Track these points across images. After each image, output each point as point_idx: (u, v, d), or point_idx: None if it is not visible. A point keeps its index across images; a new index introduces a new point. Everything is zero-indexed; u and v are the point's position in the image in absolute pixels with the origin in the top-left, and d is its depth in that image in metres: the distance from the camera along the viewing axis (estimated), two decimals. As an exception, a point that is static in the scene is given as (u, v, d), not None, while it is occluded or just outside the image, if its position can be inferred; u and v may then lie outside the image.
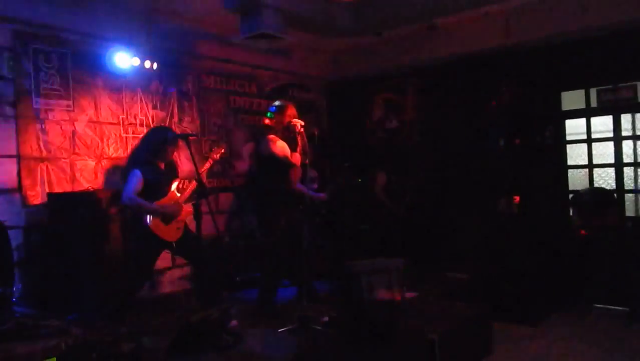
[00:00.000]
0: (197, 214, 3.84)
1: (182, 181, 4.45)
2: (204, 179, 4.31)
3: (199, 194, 3.83)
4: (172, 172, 4.15)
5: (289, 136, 4.29)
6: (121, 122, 5.18)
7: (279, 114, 4.33)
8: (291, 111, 4.35)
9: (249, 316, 4.21)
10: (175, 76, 5.67)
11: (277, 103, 4.43)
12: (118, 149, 5.14)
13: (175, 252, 4.15)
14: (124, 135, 5.20)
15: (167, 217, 3.91)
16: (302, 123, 4.24)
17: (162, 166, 4.06)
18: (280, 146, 4.26)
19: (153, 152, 3.98)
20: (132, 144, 5.20)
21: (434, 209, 6.39)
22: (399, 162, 6.12)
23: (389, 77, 7.01)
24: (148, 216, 3.84)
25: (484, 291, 4.96)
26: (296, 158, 4.27)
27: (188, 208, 4.10)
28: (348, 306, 3.69)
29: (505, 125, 6.05)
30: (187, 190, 4.17)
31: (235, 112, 6.29)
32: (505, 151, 6.05)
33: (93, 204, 4.33)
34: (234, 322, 3.54)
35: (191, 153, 3.88)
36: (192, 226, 4.11)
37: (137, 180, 3.84)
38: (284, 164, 4.29)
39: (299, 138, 4.20)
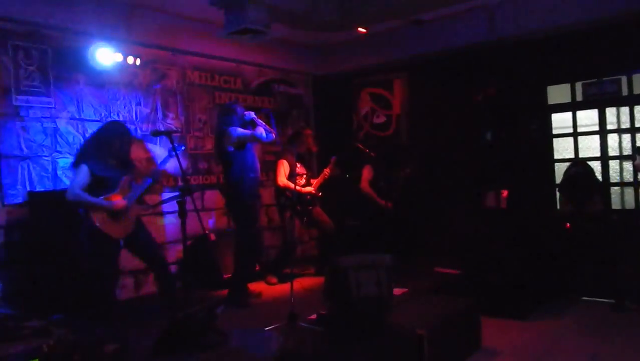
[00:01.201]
0: (182, 212, 3.78)
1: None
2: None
3: (183, 192, 3.76)
4: (124, 168, 3.96)
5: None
6: (104, 119, 5.11)
7: (230, 115, 4.65)
8: (239, 108, 4.67)
9: (236, 315, 4.18)
10: (159, 71, 5.60)
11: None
12: (101, 147, 5.06)
13: (130, 250, 4.01)
14: (106, 132, 5.12)
15: (114, 213, 3.77)
16: (254, 112, 4.65)
17: (114, 162, 3.89)
18: (240, 131, 4.54)
19: (102, 148, 3.82)
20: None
21: (423, 203, 6.41)
22: (387, 157, 6.11)
23: (375, 71, 7.01)
24: (94, 213, 3.69)
25: (472, 285, 4.98)
26: (260, 131, 4.51)
27: (135, 207, 3.96)
28: (336, 303, 3.67)
29: (491, 119, 6.07)
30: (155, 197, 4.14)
31: (221, 107, 6.22)
32: (492, 145, 6.08)
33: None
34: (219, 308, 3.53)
35: (175, 150, 3.83)
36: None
37: (83, 175, 3.71)
38: (242, 152, 4.54)
39: (257, 122, 4.57)
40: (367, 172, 5.99)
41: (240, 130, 4.55)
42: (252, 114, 4.65)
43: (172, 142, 3.84)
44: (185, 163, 5.66)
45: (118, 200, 3.80)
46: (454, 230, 6.05)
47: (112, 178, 3.84)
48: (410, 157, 6.32)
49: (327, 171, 5.61)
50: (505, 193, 5.89)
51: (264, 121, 4.64)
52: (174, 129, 5.65)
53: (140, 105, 5.43)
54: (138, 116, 5.41)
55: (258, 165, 4.75)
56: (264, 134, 4.54)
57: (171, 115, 5.72)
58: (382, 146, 6.69)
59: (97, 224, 3.67)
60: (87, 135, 4.20)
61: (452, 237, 6.03)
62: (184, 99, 5.85)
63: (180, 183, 5.52)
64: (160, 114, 5.61)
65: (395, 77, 6.92)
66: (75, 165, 3.79)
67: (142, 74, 5.42)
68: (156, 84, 5.58)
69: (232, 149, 4.53)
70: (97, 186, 3.74)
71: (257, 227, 4.70)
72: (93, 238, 3.69)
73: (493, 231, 5.63)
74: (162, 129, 5.45)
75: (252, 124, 4.61)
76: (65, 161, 4.77)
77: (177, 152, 3.84)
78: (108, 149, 3.85)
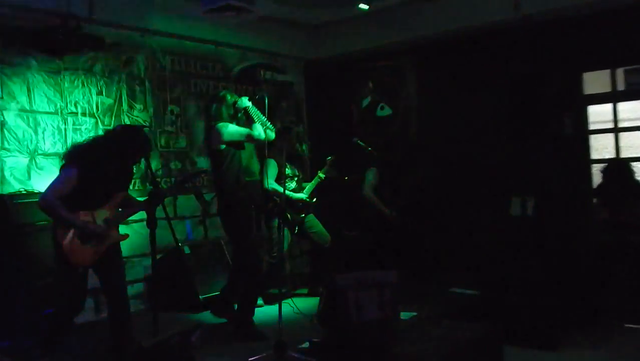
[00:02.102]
0: (151, 221, 3.81)
1: None
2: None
3: (153, 197, 3.80)
4: (122, 184, 3.88)
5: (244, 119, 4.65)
6: (59, 111, 5.15)
7: (220, 103, 4.62)
8: (230, 94, 4.69)
9: (215, 342, 4.22)
10: (124, 55, 5.65)
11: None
12: (56, 144, 5.10)
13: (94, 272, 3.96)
14: (62, 127, 5.16)
15: (84, 236, 3.63)
16: (248, 97, 4.62)
17: (115, 175, 3.77)
18: (232, 130, 4.51)
19: (110, 156, 3.69)
20: (72, 137, 5.17)
21: (435, 212, 6.45)
22: (393, 157, 6.16)
23: (380, 55, 7.05)
24: (61, 230, 3.59)
25: (494, 308, 5.00)
26: (258, 128, 4.50)
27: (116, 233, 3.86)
28: (332, 329, 3.72)
29: (516, 112, 6.10)
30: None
31: (197, 98, 6.28)
32: (518, 142, 6.11)
33: (25, 212, 4.29)
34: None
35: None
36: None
37: (67, 180, 3.57)
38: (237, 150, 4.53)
39: (252, 113, 4.56)
40: (371, 177, 6.05)
41: (231, 127, 4.49)
42: (246, 101, 4.61)
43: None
44: (154, 163, 5.71)
45: (96, 225, 3.67)
46: (472, 243, 6.09)
47: (102, 193, 3.74)
48: (420, 158, 6.38)
49: (322, 173, 5.67)
50: (532, 199, 5.94)
51: (261, 110, 4.60)
52: (142, 123, 5.69)
53: (101, 95, 5.47)
54: (99, 108, 5.45)
55: (256, 165, 4.73)
56: (262, 133, 4.49)
57: (138, 107, 5.76)
58: (388, 143, 6.75)
59: (61, 243, 3.58)
60: (86, 136, 4.00)
61: (470, 251, 6.07)
62: (154, 87, 5.89)
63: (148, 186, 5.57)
64: (125, 106, 5.65)
65: (403, 62, 6.97)
66: (63, 166, 3.66)
67: (104, 58, 5.46)
68: (121, 70, 5.63)
69: (224, 146, 4.52)
70: (80, 197, 3.60)
71: (251, 240, 4.65)
72: (56, 257, 3.64)
73: (518, 245, 5.67)
74: (128, 123, 5.49)
75: (246, 115, 4.58)
76: (14, 160, 4.81)
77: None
78: (116, 160, 3.72)
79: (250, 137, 4.51)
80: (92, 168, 3.62)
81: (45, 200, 3.54)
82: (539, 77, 6.00)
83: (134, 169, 3.97)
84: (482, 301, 5.24)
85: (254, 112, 4.57)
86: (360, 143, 6.04)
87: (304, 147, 5.78)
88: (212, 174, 4.82)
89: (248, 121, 4.59)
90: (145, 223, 3.86)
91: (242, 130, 4.52)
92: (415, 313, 4.73)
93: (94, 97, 5.42)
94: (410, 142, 6.84)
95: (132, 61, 5.72)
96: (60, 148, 5.08)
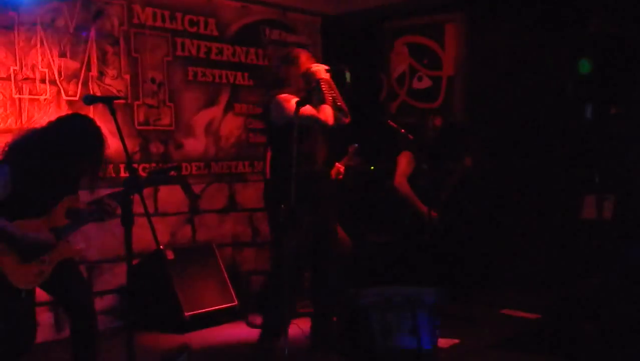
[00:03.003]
0: (126, 217, 3.83)
1: None
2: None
3: (129, 187, 3.81)
4: (68, 188, 3.87)
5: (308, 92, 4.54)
6: (12, 76, 5.17)
7: (289, 64, 4.62)
8: (305, 56, 4.65)
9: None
10: (93, 6, 5.66)
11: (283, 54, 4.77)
12: (7, 118, 5.12)
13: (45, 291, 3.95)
14: (16, 96, 5.18)
15: (26, 250, 3.59)
16: (326, 67, 4.53)
17: (58, 177, 3.77)
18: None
19: (49, 153, 3.66)
20: (28, 109, 5.20)
21: (485, 212, 6.44)
22: (433, 141, 6.14)
23: (416, 11, 7.03)
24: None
25: (559, 337, 5.00)
26: (327, 113, 4.42)
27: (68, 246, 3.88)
28: (352, 357, 3.74)
29: (594, 86, 6.05)
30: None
31: (185, 62, 6.29)
32: (595, 125, 6.07)
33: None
34: None
35: (117, 125, 3.87)
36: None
37: (1, 181, 3.53)
38: (310, 132, 4.49)
39: (324, 89, 4.47)
40: (404, 163, 6.01)
41: (292, 102, 4.30)
42: (322, 73, 4.52)
43: (112, 114, 3.88)
44: (130, 144, 5.72)
45: (41, 234, 3.64)
46: (533, 254, 6.07)
47: (44, 198, 3.72)
48: (468, 142, 6.35)
49: (341, 166, 5.66)
50: (611, 198, 5.90)
51: (338, 86, 4.56)
52: (115, 93, 5.71)
53: (65, 56, 5.48)
54: (62, 73, 5.46)
55: (323, 151, 4.70)
56: (330, 118, 4.42)
57: (111, 72, 5.78)
58: (426, 123, 6.73)
59: None
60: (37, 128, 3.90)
61: (529, 263, 6.05)
62: (130, 49, 5.90)
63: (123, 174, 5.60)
64: (94, 71, 5.67)
65: (446, 20, 6.93)
66: None
67: (68, 10, 5.47)
68: (89, 26, 5.65)
69: (284, 124, 4.43)
70: (18, 203, 3.59)
71: (298, 243, 4.53)
72: None
73: (592, 255, 5.65)
74: (98, 94, 5.51)
75: (318, 90, 4.50)
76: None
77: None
78: (57, 158, 3.69)
79: (316, 121, 4.43)
80: (31, 166, 3.62)
81: None
82: (624, 38, 5.92)
83: (84, 170, 3.91)
84: (544, 328, 5.24)
85: (327, 92, 4.50)
86: (392, 123, 6.02)
87: None
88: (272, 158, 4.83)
89: (317, 98, 4.51)
90: (119, 219, 3.87)
91: (308, 113, 4.39)
92: (457, 341, 4.74)
93: (56, 60, 5.43)
94: (455, 122, 6.80)
95: (102, 14, 5.73)
96: (13, 123, 5.10)
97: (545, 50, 6.27)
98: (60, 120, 3.92)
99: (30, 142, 3.72)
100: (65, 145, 3.71)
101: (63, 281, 3.80)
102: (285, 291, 4.55)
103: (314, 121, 4.42)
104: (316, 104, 4.47)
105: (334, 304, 4.77)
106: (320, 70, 4.54)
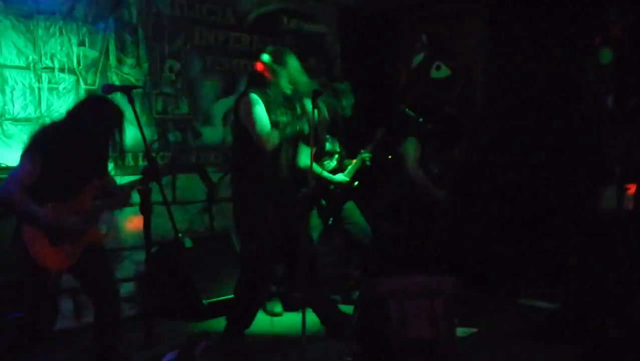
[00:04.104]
0: (145, 206, 3.85)
1: None
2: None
3: (148, 176, 3.83)
4: (93, 165, 3.91)
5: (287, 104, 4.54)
6: (32, 65, 5.20)
7: (276, 62, 4.50)
8: (294, 63, 4.55)
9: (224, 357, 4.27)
10: (112, -4, 5.68)
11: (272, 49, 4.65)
12: (27, 107, 5.15)
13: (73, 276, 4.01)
14: (35, 85, 5.21)
15: (56, 234, 3.68)
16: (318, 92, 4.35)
17: (86, 159, 3.84)
18: (258, 115, 4.39)
19: (76, 134, 3.75)
20: (47, 99, 5.22)
21: (502, 202, 6.41)
22: (450, 131, 6.11)
23: (436, 1, 7.00)
24: (28, 228, 3.62)
25: (579, 327, 4.97)
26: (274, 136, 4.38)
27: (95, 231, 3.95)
28: (369, 347, 3.74)
29: (615, 76, 6.01)
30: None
31: (203, 51, 6.30)
32: (615, 115, 6.03)
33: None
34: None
35: (136, 114, 3.88)
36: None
37: (29, 167, 3.62)
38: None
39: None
40: (412, 148, 5.99)
41: (264, 122, 4.39)
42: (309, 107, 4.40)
43: (132, 103, 3.89)
44: (148, 133, 5.74)
45: (70, 219, 3.71)
46: (552, 244, 6.04)
47: (72, 182, 3.77)
48: (486, 132, 6.33)
49: (366, 153, 5.64)
50: (632, 188, 5.85)
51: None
52: (134, 82, 5.72)
53: (83, 45, 5.50)
54: (81, 62, 5.48)
55: (288, 153, 4.64)
56: (274, 141, 4.40)
57: (129, 62, 5.80)
58: (444, 111, 6.72)
59: (27, 244, 3.61)
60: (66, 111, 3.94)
61: (547, 253, 6.02)
62: (149, 38, 5.92)
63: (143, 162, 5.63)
64: (113, 60, 5.69)
65: (466, 10, 6.90)
66: (24, 152, 3.71)
67: (87, 0, 5.49)
68: (108, 15, 5.66)
69: None
70: (47, 187, 3.65)
71: (267, 245, 4.57)
72: (21, 261, 3.67)
73: (612, 245, 5.61)
74: (117, 84, 5.53)
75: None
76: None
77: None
78: (85, 138, 3.77)
79: (259, 139, 4.40)
80: (56, 151, 3.68)
81: (5, 192, 3.61)
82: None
83: (109, 150, 3.94)
84: (562, 318, 5.21)
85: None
86: (410, 113, 6.00)
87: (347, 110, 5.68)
88: (232, 151, 4.84)
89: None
90: (138, 208, 3.89)
91: (265, 125, 4.40)
92: (475, 330, 4.73)
93: (75, 48, 5.44)
94: (472, 110, 6.78)
95: (121, 4, 5.74)
96: (32, 112, 5.13)
97: (565, 40, 6.23)
98: (76, 105, 3.97)
99: (52, 130, 3.80)
100: (91, 116, 3.77)
101: (89, 266, 3.87)
102: (258, 284, 4.65)
103: (259, 135, 4.37)
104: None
105: (322, 295, 4.83)
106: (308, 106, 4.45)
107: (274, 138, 4.38)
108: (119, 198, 4.03)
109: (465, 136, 6.18)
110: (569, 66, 6.21)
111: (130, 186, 4.04)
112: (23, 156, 3.70)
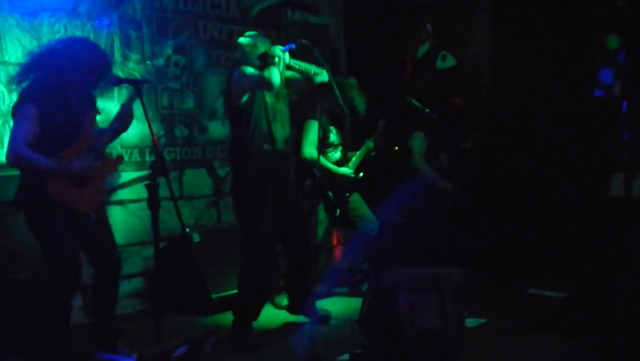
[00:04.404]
0: (153, 201, 3.86)
1: None
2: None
3: (155, 171, 3.84)
4: (87, 102, 4.01)
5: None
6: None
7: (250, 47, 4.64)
8: (261, 39, 4.72)
9: (233, 355, 4.28)
10: (115, -9, 5.68)
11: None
12: (32, 104, 5.16)
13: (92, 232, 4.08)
14: (41, 82, 5.22)
15: (76, 178, 3.79)
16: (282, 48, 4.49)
17: (77, 101, 3.91)
18: (250, 71, 4.47)
19: (67, 77, 3.80)
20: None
21: (511, 191, 6.40)
22: (457, 121, 6.10)
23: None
24: (49, 180, 3.70)
25: (589, 317, 4.96)
26: (272, 73, 4.39)
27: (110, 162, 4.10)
28: (378, 339, 3.74)
29: (623, 60, 5.98)
30: None
31: (207, 46, 6.30)
32: (623, 101, 5.99)
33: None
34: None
35: (144, 109, 3.88)
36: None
37: (29, 122, 3.65)
38: (268, 109, 4.52)
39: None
40: (419, 143, 6.00)
41: (247, 71, 4.45)
42: (278, 52, 4.48)
43: (140, 97, 3.89)
44: (155, 128, 5.74)
45: (81, 159, 3.79)
46: (561, 233, 6.03)
47: (71, 126, 3.84)
48: (492, 123, 6.31)
49: (370, 142, 5.64)
50: (640, 175, 5.84)
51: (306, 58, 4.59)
52: (139, 77, 5.73)
53: (88, 42, 5.51)
54: (86, 58, 5.49)
55: (285, 130, 4.68)
56: (274, 76, 4.35)
57: (134, 57, 5.80)
58: (449, 101, 6.70)
59: (53, 194, 3.68)
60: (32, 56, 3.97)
61: (556, 242, 6.01)
62: (153, 32, 5.92)
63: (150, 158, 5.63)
64: (118, 56, 5.69)
65: (472, -1, 6.88)
66: (16, 107, 3.73)
67: (91, -5, 5.50)
68: (112, 10, 5.66)
69: (246, 98, 4.50)
70: (50, 136, 3.71)
71: (266, 230, 4.60)
72: (49, 216, 3.73)
73: (621, 234, 5.59)
74: (122, 77, 5.52)
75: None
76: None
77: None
78: (75, 80, 3.83)
79: (259, 81, 4.40)
80: (50, 97, 3.75)
81: (15, 152, 3.65)
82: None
83: (96, 97, 4.10)
84: (571, 307, 5.21)
85: (294, 62, 4.55)
86: (415, 104, 5.99)
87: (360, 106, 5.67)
88: (229, 141, 4.86)
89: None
90: (145, 203, 3.90)
91: (255, 74, 4.44)
92: (484, 321, 4.73)
93: (80, 45, 5.45)
94: (480, 100, 6.76)
95: (125, -1, 5.75)
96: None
97: (573, 27, 6.20)
98: (61, 39, 4.10)
99: (40, 60, 3.85)
100: (73, 56, 3.83)
101: (95, 234, 4.00)
102: (262, 276, 4.68)
103: (256, 78, 4.42)
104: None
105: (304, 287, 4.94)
106: (277, 50, 4.49)
107: (274, 75, 4.36)
108: (122, 115, 4.10)
109: (479, 127, 6.15)
110: (576, 53, 6.18)
111: (129, 102, 4.12)
112: (17, 113, 3.73)
